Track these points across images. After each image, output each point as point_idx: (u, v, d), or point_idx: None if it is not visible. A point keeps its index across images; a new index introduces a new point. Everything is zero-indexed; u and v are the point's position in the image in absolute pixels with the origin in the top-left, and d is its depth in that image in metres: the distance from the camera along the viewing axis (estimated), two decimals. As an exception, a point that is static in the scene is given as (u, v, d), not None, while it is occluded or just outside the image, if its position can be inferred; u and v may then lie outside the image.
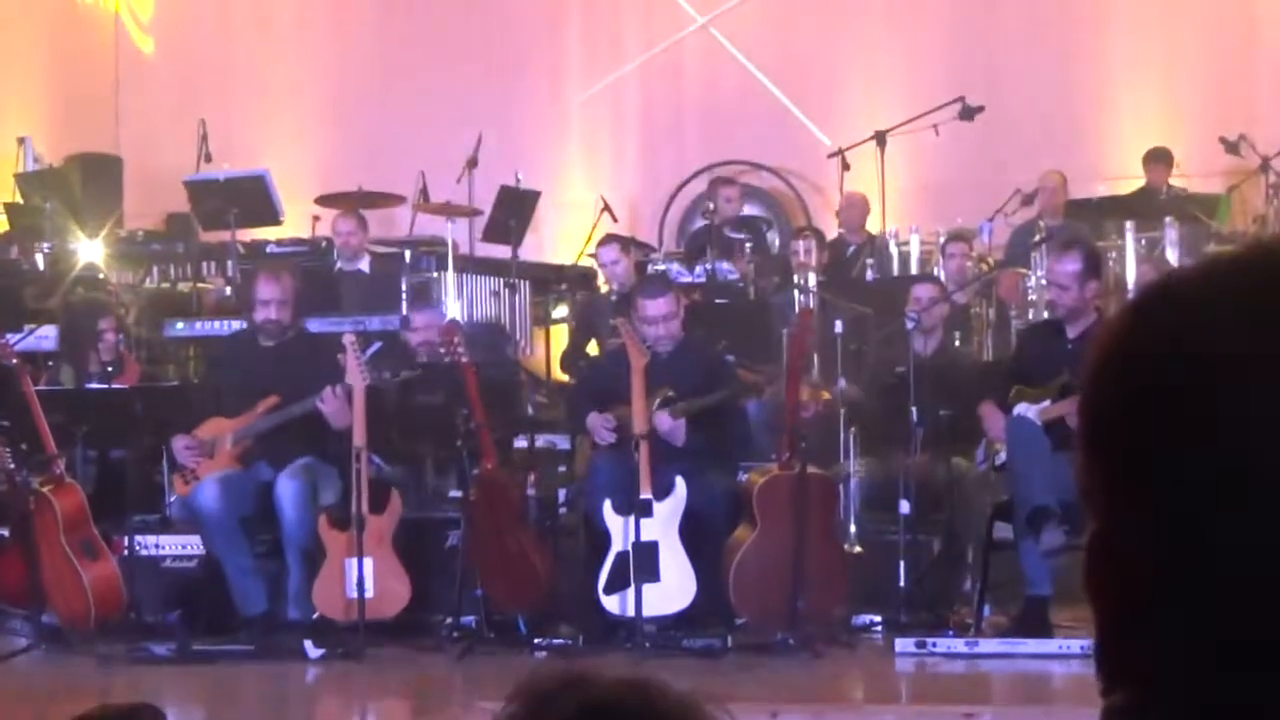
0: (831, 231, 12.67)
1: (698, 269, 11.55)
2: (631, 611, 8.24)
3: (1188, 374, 1.07)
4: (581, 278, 12.48)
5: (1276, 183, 12.37)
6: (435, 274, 11.60)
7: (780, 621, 8.24)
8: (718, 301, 11.18)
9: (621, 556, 8.36)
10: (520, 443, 9.78)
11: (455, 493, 9.25)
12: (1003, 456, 8.50)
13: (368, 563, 8.41)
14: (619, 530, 8.40)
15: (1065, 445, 7.93)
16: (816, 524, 8.42)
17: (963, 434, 8.93)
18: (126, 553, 8.93)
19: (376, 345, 9.58)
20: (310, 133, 14.84)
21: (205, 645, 8.41)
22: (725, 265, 11.56)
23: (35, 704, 7.83)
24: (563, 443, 10.04)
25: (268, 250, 11.93)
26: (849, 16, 14.55)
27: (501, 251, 12.06)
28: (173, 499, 9.21)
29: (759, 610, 8.42)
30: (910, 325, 9.32)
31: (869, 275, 11.85)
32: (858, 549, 9.10)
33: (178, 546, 9.11)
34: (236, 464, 8.89)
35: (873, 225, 12.73)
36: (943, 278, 10.95)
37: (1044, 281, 10.24)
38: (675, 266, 11.59)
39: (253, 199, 11.68)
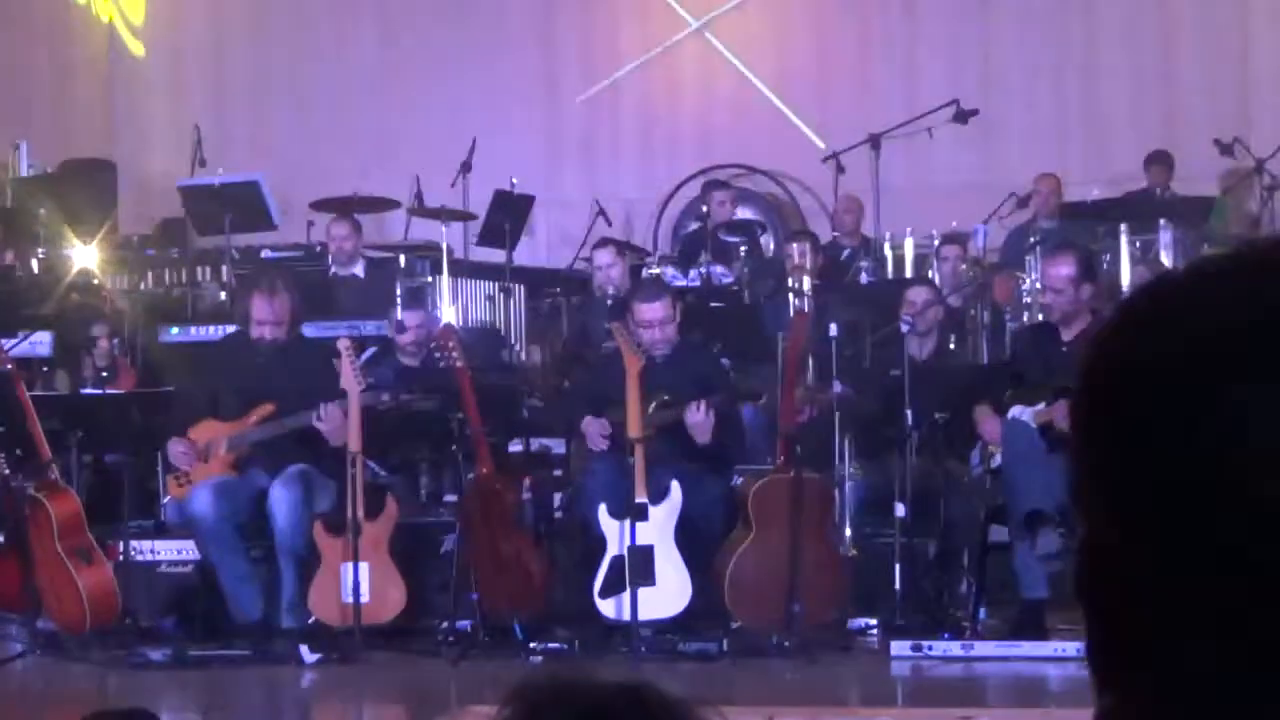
0: (826, 235, 12.67)
1: (692, 272, 11.55)
2: (627, 615, 8.23)
3: (1180, 374, 1.07)
4: (576, 282, 12.49)
5: (1271, 185, 12.39)
6: (430, 278, 11.60)
7: (776, 625, 8.24)
8: (712, 305, 11.17)
9: (617, 560, 8.36)
10: (515, 447, 9.78)
11: (450, 497, 9.24)
12: (998, 460, 8.50)
13: (363, 568, 8.40)
14: (614, 534, 8.40)
15: (1060, 448, 7.93)
16: (812, 527, 8.42)
17: (958, 437, 8.93)
18: (122, 558, 8.91)
19: (371, 350, 9.60)
20: (305, 137, 14.83)
21: (201, 650, 8.39)
22: (720, 269, 11.56)
23: (31, 710, 7.82)
24: (558, 447, 10.04)
25: (262, 255, 11.92)
26: (843, 21, 14.56)
27: (496, 256, 12.06)
28: (166, 500, 9.20)
29: (755, 614, 8.42)
30: (905, 329, 9.33)
31: (864, 279, 11.85)
32: (853, 552, 9.10)
33: (173, 552, 9.10)
34: (231, 470, 8.88)
35: (867, 228, 12.74)
36: (937, 281, 10.95)
37: (1039, 284, 10.24)
38: (670, 270, 11.59)
39: (247, 204, 11.67)
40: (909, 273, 11.91)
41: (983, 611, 8.61)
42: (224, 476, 8.82)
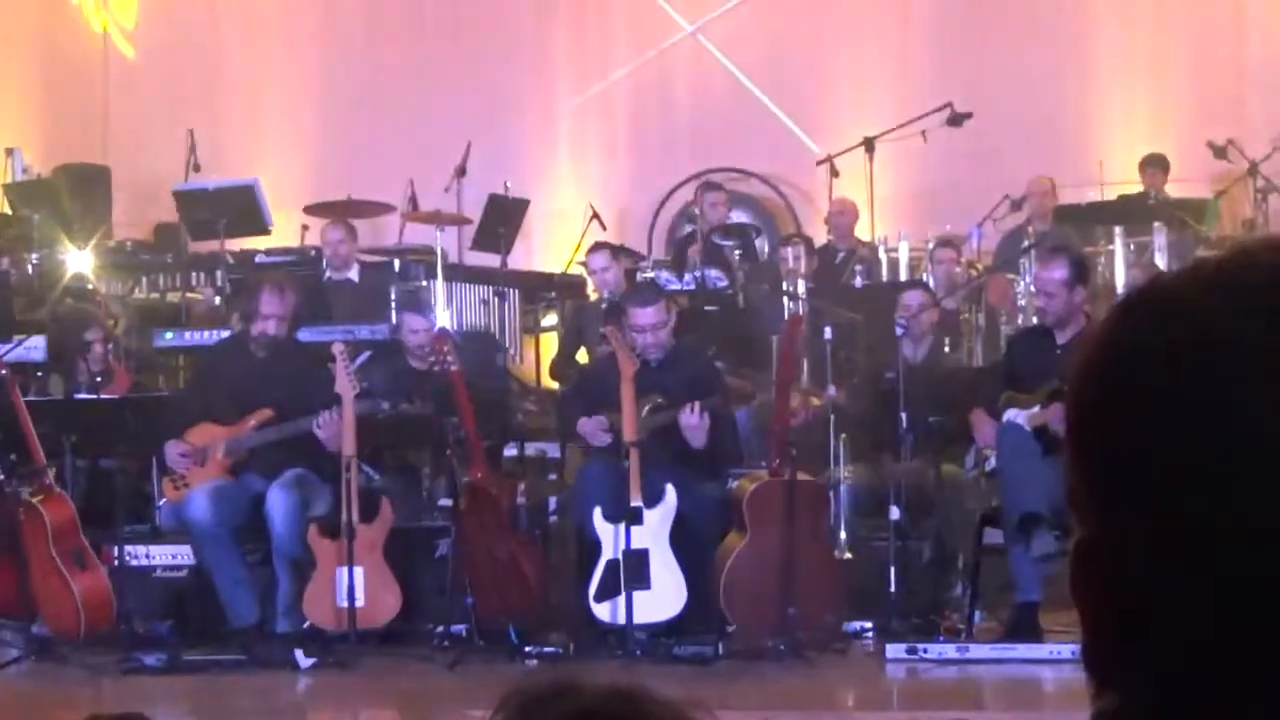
0: (820, 238, 12.67)
1: (687, 276, 11.54)
2: (622, 619, 8.24)
3: (1174, 375, 1.07)
4: (571, 286, 12.48)
5: (1264, 187, 12.39)
6: (424, 282, 11.59)
7: (771, 628, 8.24)
8: (707, 309, 11.17)
9: (612, 564, 8.36)
10: (510, 451, 9.78)
11: (445, 501, 9.24)
12: (993, 462, 8.50)
13: (358, 572, 8.40)
14: (609, 538, 8.40)
15: (1055, 450, 7.94)
16: (807, 530, 8.42)
17: (953, 440, 8.93)
18: (116, 563, 8.91)
19: (365, 355, 9.59)
20: (299, 142, 14.83)
21: (196, 655, 8.39)
22: (714, 272, 11.55)
23: (26, 715, 7.82)
24: (553, 451, 10.04)
25: (257, 260, 11.91)
26: (837, 24, 14.56)
27: (491, 260, 12.05)
28: (162, 503, 9.19)
29: (750, 617, 8.42)
30: (900, 332, 9.34)
31: (858, 282, 11.84)
32: (848, 555, 9.11)
33: (168, 556, 9.10)
34: (227, 474, 8.88)
35: (862, 232, 12.73)
36: (932, 284, 10.95)
37: (1033, 288, 10.24)
38: (664, 274, 11.58)
39: (242, 209, 11.67)
40: (903, 276, 11.90)
41: (978, 614, 8.61)
42: (220, 480, 8.82)
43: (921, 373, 9.17)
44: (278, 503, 8.69)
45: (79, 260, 11.97)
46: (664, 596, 8.36)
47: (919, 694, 8.10)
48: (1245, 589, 1.05)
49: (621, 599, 8.25)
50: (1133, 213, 12.10)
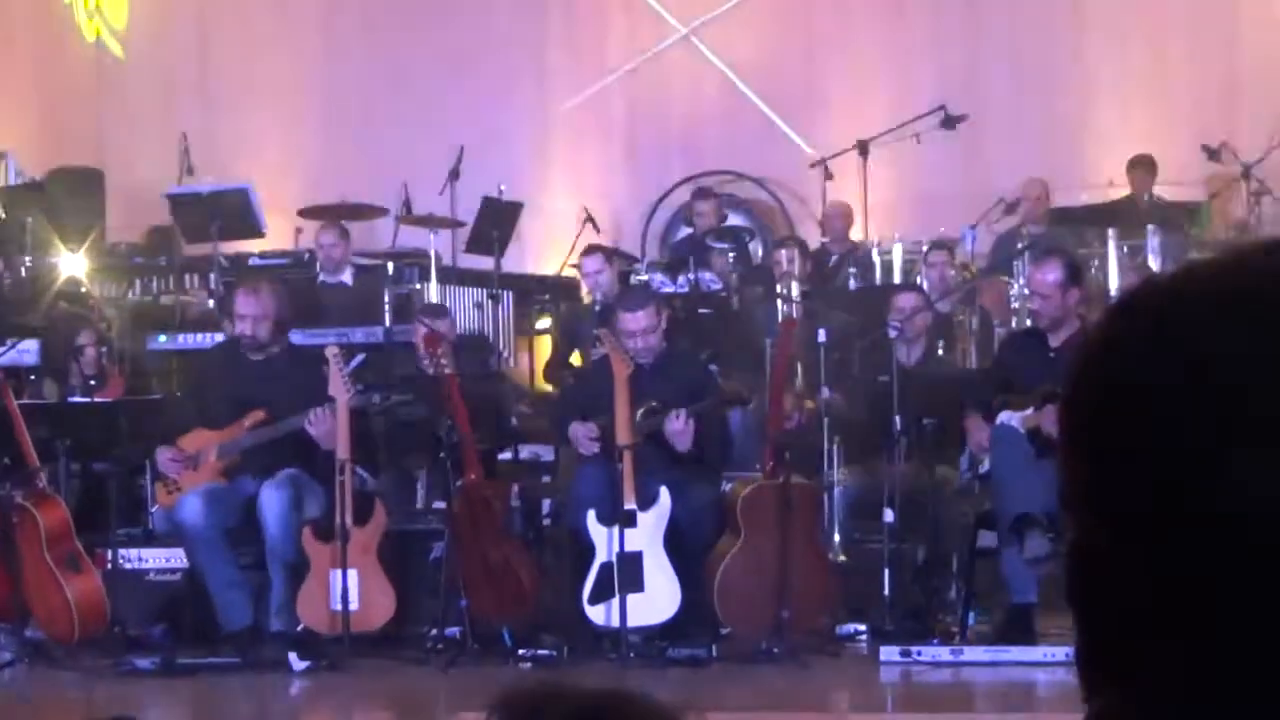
0: (814, 241, 12.68)
1: (681, 279, 11.54)
2: (616, 622, 8.23)
3: (1168, 376, 1.07)
4: (565, 288, 12.49)
5: (1258, 190, 12.40)
6: (418, 285, 11.60)
7: (765, 631, 8.24)
8: (701, 311, 11.17)
9: (606, 567, 8.36)
10: (504, 454, 9.77)
11: (439, 504, 9.23)
12: (986, 465, 8.51)
13: (352, 575, 8.39)
14: (603, 541, 8.40)
15: (1048, 453, 7.94)
16: (800, 533, 8.42)
17: (947, 442, 8.93)
18: (110, 566, 8.90)
19: (360, 358, 9.58)
20: (293, 145, 14.82)
21: (189, 658, 8.37)
22: (708, 275, 11.56)
23: (19, 719, 7.80)
24: (547, 454, 10.04)
25: (250, 263, 11.92)
26: (831, 27, 14.56)
27: (484, 263, 12.06)
28: (155, 508, 9.19)
29: (744, 620, 8.42)
30: (893, 334, 9.34)
31: (852, 284, 11.85)
32: (842, 558, 9.11)
33: (161, 559, 9.09)
34: (220, 477, 8.87)
35: (855, 234, 12.74)
36: (925, 287, 10.95)
37: (1027, 290, 10.25)
38: (658, 277, 11.58)
39: (235, 212, 11.67)
40: (897, 278, 11.90)
41: (971, 617, 8.62)
42: (213, 484, 8.81)
43: (915, 375, 9.17)
44: (270, 502, 8.68)
45: (72, 264, 11.96)
46: (658, 599, 8.36)
47: (913, 697, 8.10)
48: (1240, 590, 1.05)
49: (615, 602, 8.24)
50: (1126, 215, 12.12)
